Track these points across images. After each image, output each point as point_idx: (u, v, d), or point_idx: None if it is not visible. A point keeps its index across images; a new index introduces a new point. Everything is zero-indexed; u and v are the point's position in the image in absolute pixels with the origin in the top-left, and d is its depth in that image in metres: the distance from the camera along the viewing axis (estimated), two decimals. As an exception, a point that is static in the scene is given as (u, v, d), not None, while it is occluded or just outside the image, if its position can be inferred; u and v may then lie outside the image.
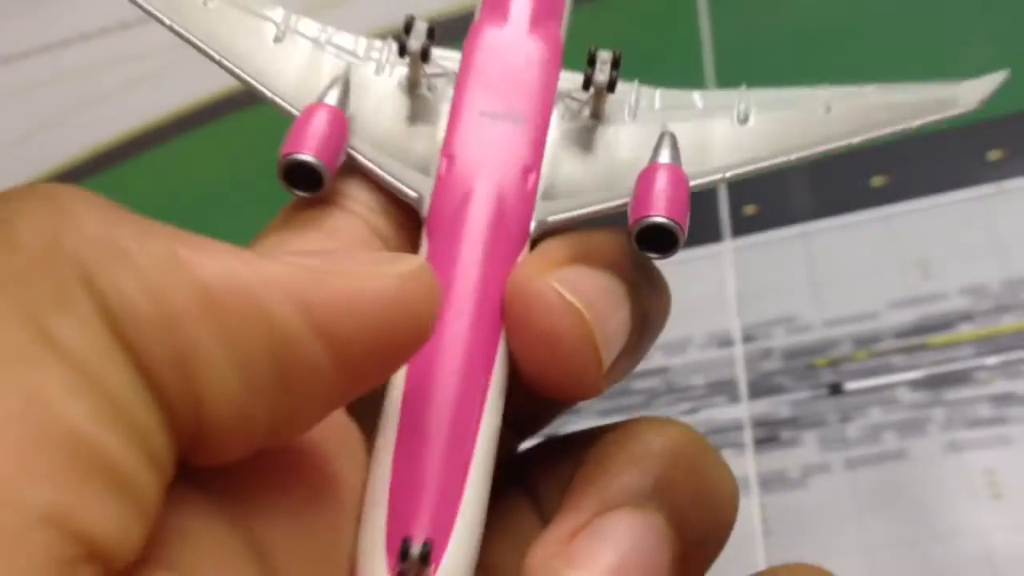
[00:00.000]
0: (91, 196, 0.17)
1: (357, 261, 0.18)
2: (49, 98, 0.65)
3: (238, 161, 0.58)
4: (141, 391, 0.16)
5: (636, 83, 0.24)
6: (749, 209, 0.45)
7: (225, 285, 0.16)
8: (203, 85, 0.61)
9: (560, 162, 0.23)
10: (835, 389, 0.38)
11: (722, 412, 0.39)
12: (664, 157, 0.21)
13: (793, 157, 0.22)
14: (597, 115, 0.23)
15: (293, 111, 0.22)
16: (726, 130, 0.23)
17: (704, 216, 0.45)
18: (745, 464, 0.37)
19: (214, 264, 0.17)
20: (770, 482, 0.36)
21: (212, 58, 0.23)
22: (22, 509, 0.14)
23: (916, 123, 0.23)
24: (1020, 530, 0.33)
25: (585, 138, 0.23)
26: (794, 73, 0.50)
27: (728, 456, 0.37)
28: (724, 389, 0.39)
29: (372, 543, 0.19)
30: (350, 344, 0.17)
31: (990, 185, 0.42)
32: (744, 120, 0.23)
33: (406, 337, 0.18)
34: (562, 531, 0.20)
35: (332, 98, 0.22)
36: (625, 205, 0.21)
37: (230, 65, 0.23)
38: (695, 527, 0.21)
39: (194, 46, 0.24)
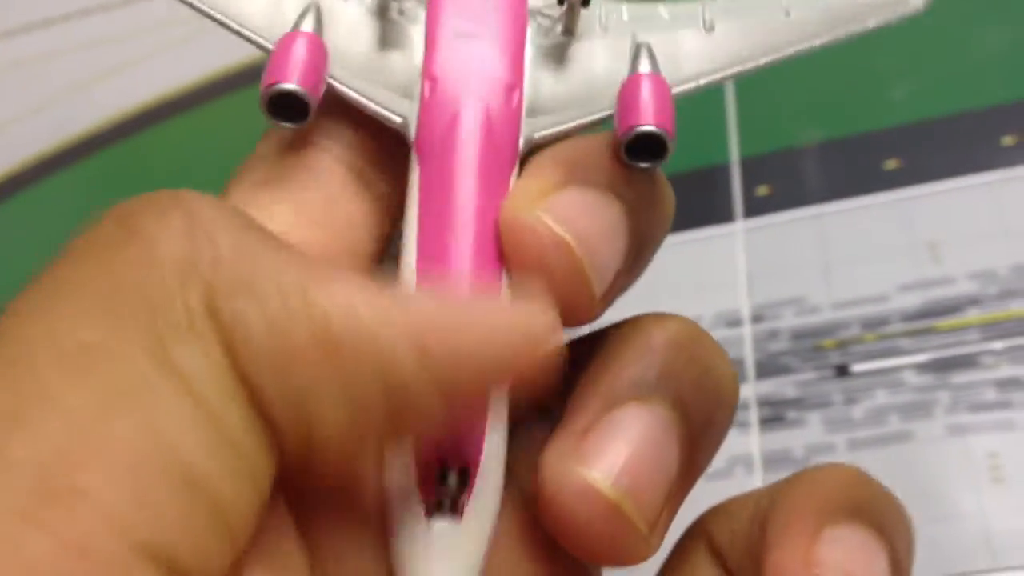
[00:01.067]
0: (230, 214, 0.17)
1: (483, 310, 0.18)
2: (72, 65, 0.65)
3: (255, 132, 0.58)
4: (254, 426, 0.16)
5: None
6: (762, 190, 0.45)
7: (346, 324, 0.16)
8: (228, 55, 0.61)
9: (539, 79, 0.23)
10: (842, 371, 0.38)
11: (729, 391, 0.39)
12: (644, 67, 0.22)
13: (762, 62, 0.23)
14: (570, 30, 0.23)
15: (267, 45, 0.22)
16: (694, 39, 0.23)
17: (717, 196, 0.46)
18: (750, 443, 0.37)
19: (338, 302, 0.17)
20: (774, 462, 0.37)
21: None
22: (129, 541, 0.14)
23: (872, 23, 0.23)
24: (1021, 514, 0.33)
25: (561, 54, 0.23)
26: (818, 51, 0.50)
27: (733, 435, 0.37)
28: (731, 369, 0.39)
29: (403, 472, 0.19)
30: (463, 389, 0.18)
31: (1003, 171, 0.42)
32: (710, 29, 0.23)
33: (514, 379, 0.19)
34: (573, 430, 0.20)
35: (307, 25, 0.22)
36: (611, 117, 0.21)
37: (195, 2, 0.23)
38: (700, 414, 0.21)
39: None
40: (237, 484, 0.16)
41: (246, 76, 0.61)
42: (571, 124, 0.22)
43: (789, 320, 0.40)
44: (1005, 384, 0.36)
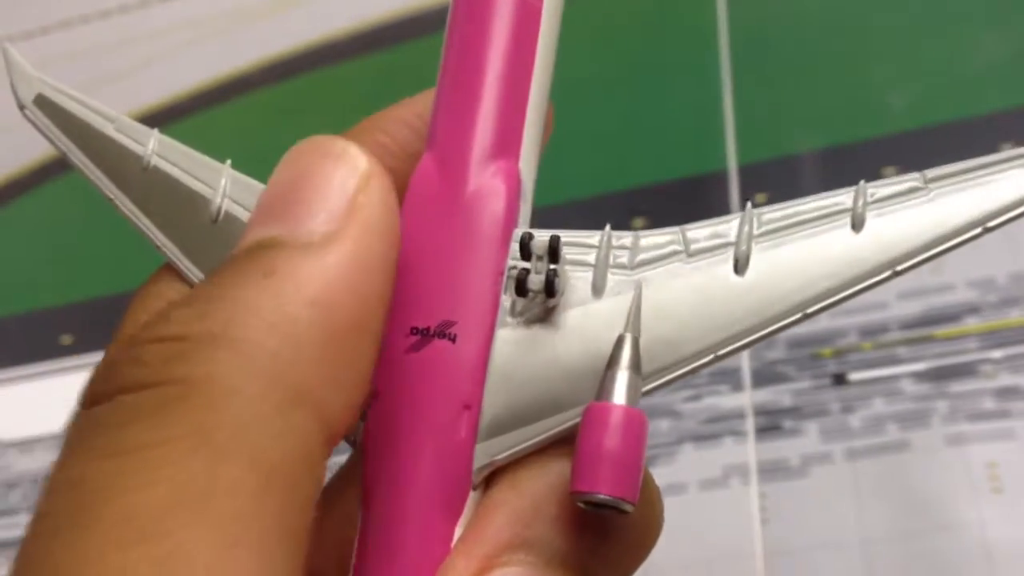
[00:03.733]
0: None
1: None
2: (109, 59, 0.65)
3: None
4: None
5: (607, 230, 0.20)
6: (760, 198, 0.45)
7: None
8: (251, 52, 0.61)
9: (508, 375, 0.19)
10: (839, 379, 0.38)
11: (725, 400, 0.38)
12: (618, 394, 0.18)
13: (801, 315, 0.19)
14: (551, 292, 0.19)
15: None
16: (716, 285, 0.19)
17: (714, 204, 0.45)
18: (746, 452, 0.37)
19: None
20: (770, 471, 0.36)
21: (143, 232, 0.22)
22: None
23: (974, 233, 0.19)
24: (1019, 525, 0.33)
25: (535, 336, 0.19)
26: (810, 61, 0.50)
27: (729, 444, 0.37)
28: (727, 377, 0.39)
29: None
30: None
31: (1002, 177, 0.42)
32: (743, 266, 0.19)
33: None
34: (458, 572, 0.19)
35: None
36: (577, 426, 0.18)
37: (163, 245, 0.22)
38: (587, 561, 0.20)
39: (125, 215, 0.23)
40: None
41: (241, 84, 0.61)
42: (534, 442, 0.19)
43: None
44: (1004, 393, 0.36)
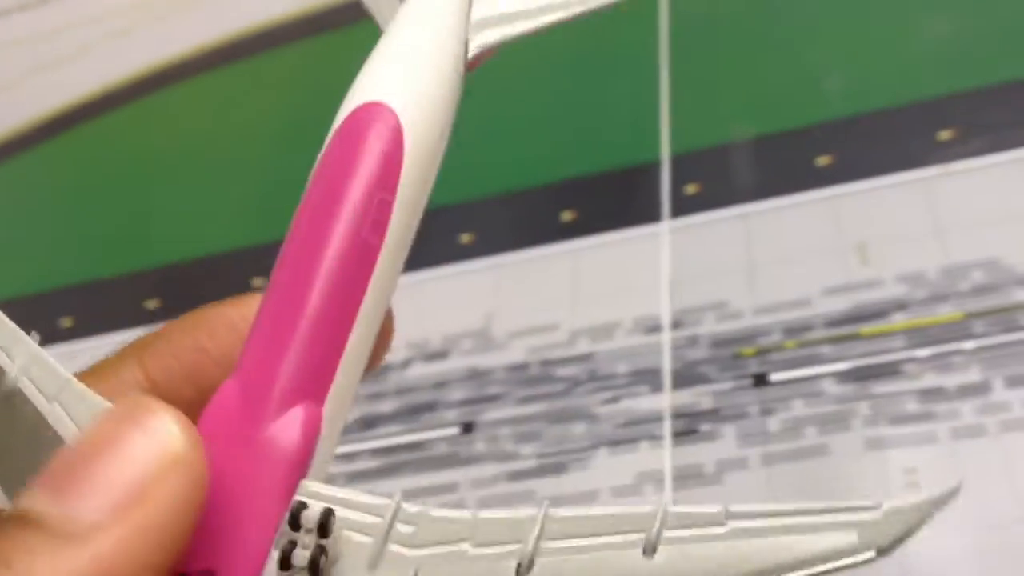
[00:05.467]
0: None
1: None
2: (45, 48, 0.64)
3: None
4: None
5: (397, 502, 0.18)
6: (690, 188, 0.44)
7: None
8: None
9: None
10: (760, 380, 0.37)
11: (643, 402, 0.37)
12: None
13: None
14: (315, 572, 0.18)
15: None
16: None
17: (644, 195, 0.44)
18: (661, 458, 0.36)
19: None
20: (684, 478, 0.35)
21: None
22: None
23: None
24: (937, 534, 0.31)
25: None
26: (748, 46, 0.49)
27: (645, 449, 0.36)
28: (647, 378, 0.38)
29: None
30: None
31: (936, 167, 0.40)
32: (525, 570, 0.18)
33: None
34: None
35: None
36: None
37: None
38: None
39: None
40: None
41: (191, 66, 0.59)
42: None
43: (710, 326, 0.39)
44: (927, 395, 0.34)
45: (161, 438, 0.17)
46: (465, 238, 0.45)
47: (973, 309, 0.36)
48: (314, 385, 0.20)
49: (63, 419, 0.19)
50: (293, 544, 0.18)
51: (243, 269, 0.47)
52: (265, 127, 0.56)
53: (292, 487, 0.19)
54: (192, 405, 0.19)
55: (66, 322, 0.49)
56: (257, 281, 0.46)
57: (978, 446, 0.33)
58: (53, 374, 0.20)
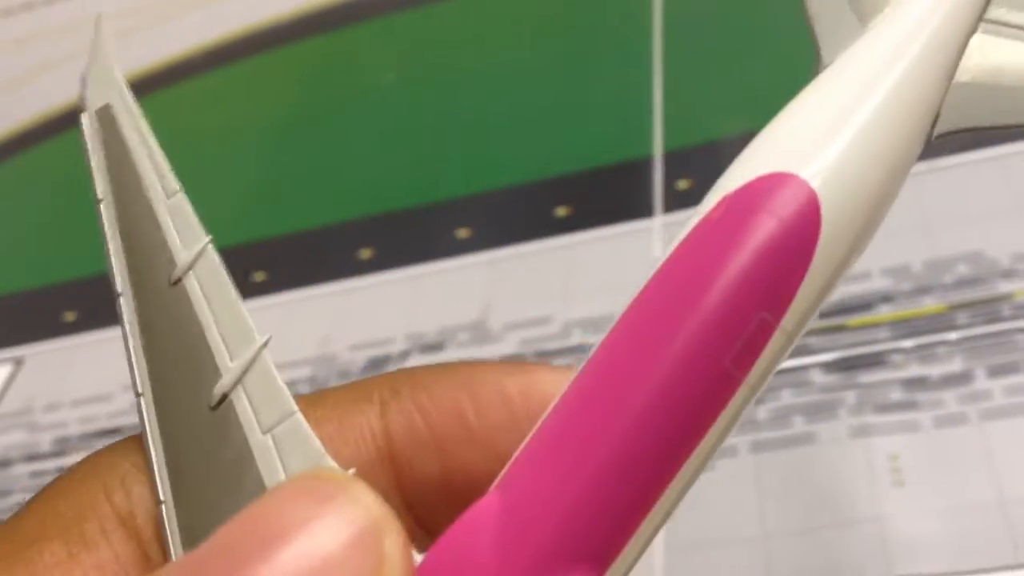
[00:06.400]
0: None
1: None
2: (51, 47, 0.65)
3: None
4: None
5: None
6: (683, 184, 0.45)
7: None
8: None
9: None
10: (749, 370, 0.37)
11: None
12: None
13: None
14: None
15: None
16: None
17: (636, 191, 0.45)
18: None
19: None
20: (675, 465, 0.36)
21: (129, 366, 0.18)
22: None
23: None
24: (918, 519, 0.32)
25: None
26: (741, 43, 0.49)
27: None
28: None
29: None
30: None
31: (923, 163, 0.41)
32: None
33: None
34: None
35: None
36: None
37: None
38: None
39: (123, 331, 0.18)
40: None
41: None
42: None
43: (700, 318, 0.39)
44: (911, 384, 0.35)
45: (353, 508, 0.14)
46: (462, 233, 0.46)
47: (957, 301, 0.37)
48: (602, 548, 0.15)
49: (273, 461, 0.16)
50: None
51: (243, 264, 0.48)
52: (265, 126, 0.57)
53: None
54: (431, 483, 0.17)
55: (69, 316, 0.50)
56: (257, 276, 0.47)
57: (960, 434, 0.34)
58: (277, 399, 0.16)
